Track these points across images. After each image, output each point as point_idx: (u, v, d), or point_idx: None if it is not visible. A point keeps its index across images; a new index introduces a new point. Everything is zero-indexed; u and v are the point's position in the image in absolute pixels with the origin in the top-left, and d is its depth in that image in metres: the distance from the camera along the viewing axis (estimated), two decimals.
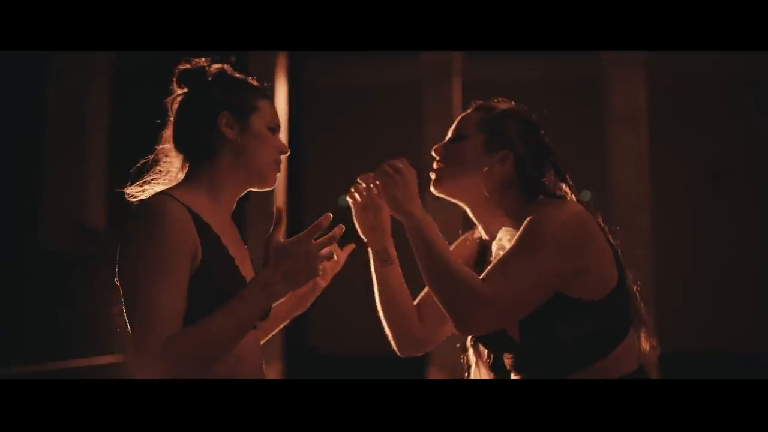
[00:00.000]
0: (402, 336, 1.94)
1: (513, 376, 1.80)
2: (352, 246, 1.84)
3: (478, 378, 1.91)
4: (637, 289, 1.81)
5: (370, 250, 1.91)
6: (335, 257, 1.94)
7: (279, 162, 1.77)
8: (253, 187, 1.76)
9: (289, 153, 1.78)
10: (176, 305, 1.55)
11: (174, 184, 1.74)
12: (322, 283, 1.92)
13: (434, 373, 7.67)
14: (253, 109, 1.74)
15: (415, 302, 1.96)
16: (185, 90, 1.76)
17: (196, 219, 1.62)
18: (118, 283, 1.63)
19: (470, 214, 1.90)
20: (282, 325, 1.96)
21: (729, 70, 9.15)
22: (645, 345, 1.79)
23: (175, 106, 1.77)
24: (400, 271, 1.92)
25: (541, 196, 1.83)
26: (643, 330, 1.80)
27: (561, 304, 1.69)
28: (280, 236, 1.57)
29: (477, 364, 1.90)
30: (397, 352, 1.96)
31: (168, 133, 1.78)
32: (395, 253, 1.92)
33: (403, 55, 7.55)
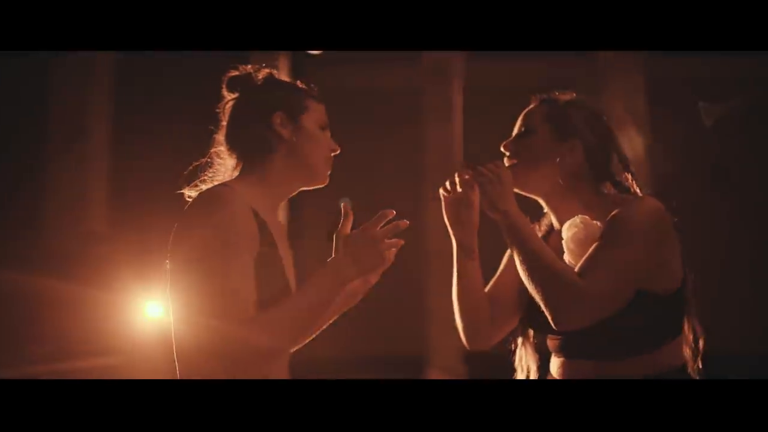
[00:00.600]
0: (473, 328, 1.99)
1: (553, 358, 1.84)
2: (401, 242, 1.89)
3: (522, 359, 1.93)
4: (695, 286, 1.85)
5: (454, 242, 1.96)
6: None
7: (331, 160, 1.83)
8: (306, 185, 1.82)
9: (339, 151, 1.83)
10: (251, 288, 1.60)
11: (233, 179, 1.79)
12: (373, 279, 1.95)
13: (434, 374, 7.68)
14: (304, 109, 1.80)
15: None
16: (236, 95, 1.81)
17: (254, 214, 1.68)
18: (171, 266, 1.67)
19: (543, 205, 1.95)
20: (331, 321, 1.98)
21: (724, 70, 9.16)
22: (692, 342, 1.82)
23: (228, 110, 1.82)
24: (478, 264, 1.96)
25: (609, 184, 1.89)
26: (696, 327, 1.82)
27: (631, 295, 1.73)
28: (348, 227, 1.69)
29: (523, 344, 1.93)
30: (465, 344, 2.01)
31: (220, 136, 1.83)
32: (477, 249, 1.96)
33: (404, 57, 7.55)
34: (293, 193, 1.83)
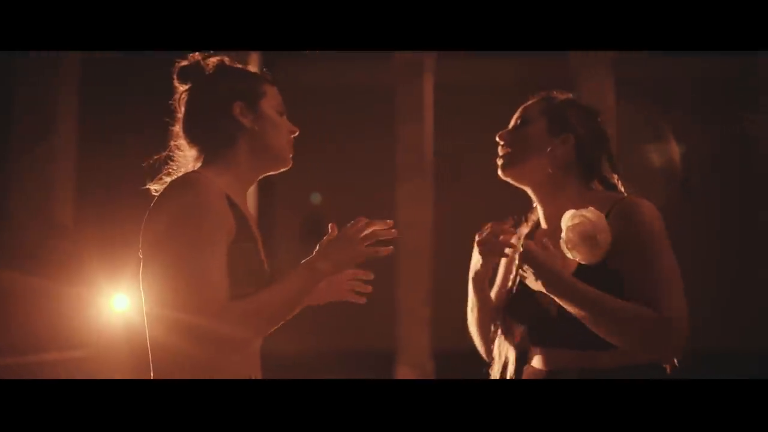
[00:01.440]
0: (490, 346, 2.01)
1: (533, 348, 1.86)
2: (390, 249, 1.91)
3: (500, 348, 1.94)
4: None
5: (475, 276, 1.97)
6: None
7: (291, 142, 1.82)
8: (271, 170, 1.82)
9: (298, 133, 1.83)
10: (224, 274, 1.59)
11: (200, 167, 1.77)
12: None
13: (403, 371, 7.71)
14: (261, 95, 1.78)
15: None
16: (189, 85, 1.79)
17: (227, 197, 1.67)
18: (143, 254, 1.65)
19: (532, 197, 1.98)
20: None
21: (696, 70, 9.28)
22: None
23: (183, 101, 1.79)
24: (489, 293, 2.00)
25: (597, 182, 1.93)
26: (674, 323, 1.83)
27: (618, 287, 1.76)
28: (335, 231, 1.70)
29: (503, 333, 1.94)
30: (487, 359, 2.02)
31: (178, 128, 1.80)
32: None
33: (377, 55, 7.56)
34: (258, 178, 1.83)
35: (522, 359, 1.90)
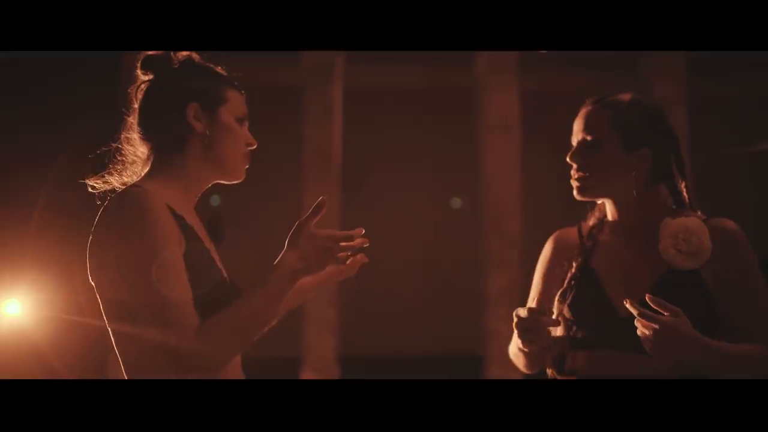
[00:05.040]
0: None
1: (595, 352, 1.81)
2: (365, 260, 1.84)
3: (553, 341, 1.85)
4: None
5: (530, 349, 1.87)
6: (349, 261, 1.87)
7: (248, 155, 1.74)
8: (222, 180, 1.72)
9: (256, 146, 1.75)
10: (186, 295, 1.51)
11: (141, 174, 1.68)
12: (319, 285, 1.92)
13: (308, 375, 7.67)
14: (221, 100, 1.69)
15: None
16: (150, 77, 1.70)
17: (171, 211, 1.58)
18: (94, 282, 1.57)
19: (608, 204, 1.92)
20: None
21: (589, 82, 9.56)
22: None
23: (141, 93, 1.70)
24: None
25: (664, 186, 1.89)
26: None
27: (706, 300, 1.78)
28: (312, 223, 1.57)
29: (555, 332, 1.87)
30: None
31: (132, 120, 1.71)
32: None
33: (285, 56, 7.51)
34: (207, 187, 1.73)
35: (571, 362, 1.86)
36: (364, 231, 1.60)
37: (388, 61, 8.18)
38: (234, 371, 1.65)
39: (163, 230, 1.53)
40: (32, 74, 6.04)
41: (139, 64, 1.70)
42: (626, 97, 1.90)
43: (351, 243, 1.59)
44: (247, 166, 1.74)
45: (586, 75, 8.41)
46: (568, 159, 1.89)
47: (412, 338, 8.53)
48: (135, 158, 1.71)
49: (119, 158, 1.71)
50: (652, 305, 1.67)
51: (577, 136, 1.90)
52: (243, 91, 1.76)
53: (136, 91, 1.71)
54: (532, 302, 1.95)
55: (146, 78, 1.70)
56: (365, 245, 1.64)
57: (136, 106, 1.71)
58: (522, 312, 1.81)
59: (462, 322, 8.09)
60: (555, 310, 1.90)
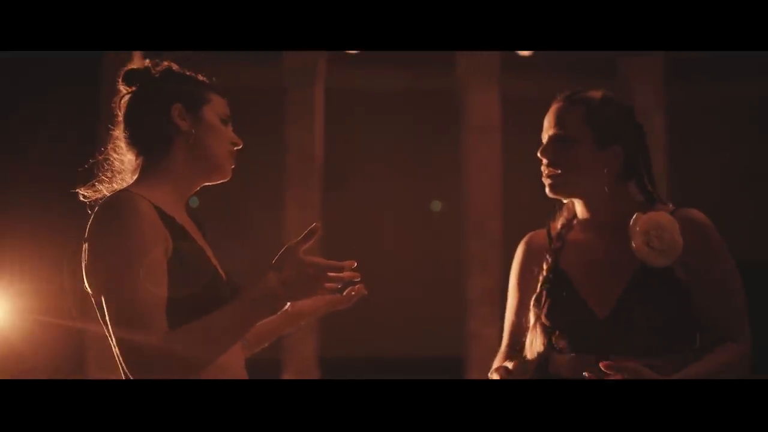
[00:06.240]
0: None
1: (574, 357, 1.79)
2: (363, 292, 1.87)
3: (532, 351, 1.84)
4: None
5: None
6: (347, 293, 1.91)
7: (233, 154, 1.76)
8: (209, 180, 1.76)
9: (241, 146, 1.77)
10: (158, 298, 1.53)
11: (131, 181, 1.71)
12: (321, 311, 1.93)
13: (289, 377, 7.65)
14: (205, 101, 1.73)
15: None
16: (133, 89, 1.74)
17: (160, 212, 1.60)
18: (87, 284, 1.61)
19: (577, 203, 1.91)
20: (268, 342, 1.93)
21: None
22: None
23: (124, 104, 1.74)
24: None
25: (633, 183, 1.88)
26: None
27: (681, 297, 1.78)
28: (301, 249, 1.56)
29: (535, 339, 1.85)
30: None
31: (118, 132, 1.75)
32: None
33: (267, 57, 7.49)
34: (196, 188, 1.76)
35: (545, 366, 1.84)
36: (355, 264, 1.59)
37: (370, 63, 8.19)
38: (238, 371, 1.69)
39: (145, 234, 1.55)
40: (8, 75, 6.01)
41: (120, 79, 1.75)
42: (597, 94, 1.89)
43: (340, 275, 1.57)
44: (233, 166, 1.77)
45: (567, 77, 8.44)
46: (539, 154, 1.88)
47: (393, 340, 8.53)
48: (123, 166, 1.75)
49: (107, 167, 1.75)
50: (605, 370, 1.64)
51: (548, 131, 1.88)
52: (225, 97, 1.80)
53: (120, 103, 1.76)
54: (510, 311, 1.97)
55: (129, 90, 1.75)
56: (356, 279, 1.64)
57: (120, 117, 1.76)
58: (510, 365, 1.78)
59: (444, 324, 8.10)
60: (532, 317, 1.88)
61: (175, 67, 1.77)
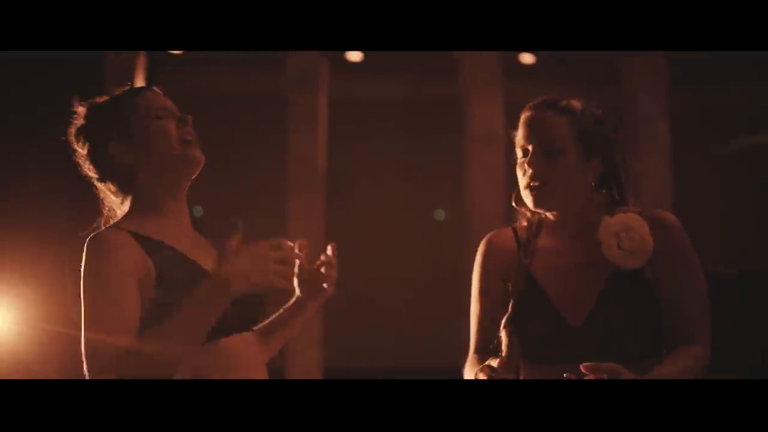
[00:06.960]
0: None
1: (545, 367, 1.78)
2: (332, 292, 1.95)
3: (502, 360, 1.79)
4: None
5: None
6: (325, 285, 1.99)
7: (190, 141, 1.77)
8: (184, 176, 1.78)
9: (191, 118, 1.79)
10: (124, 323, 1.59)
11: (121, 214, 1.80)
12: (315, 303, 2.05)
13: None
14: (130, 115, 1.75)
15: None
16: (84, 150, 1.80)
17: (144, 241, 1.67)
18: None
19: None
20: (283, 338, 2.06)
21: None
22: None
23: (87, 162, 1.81)
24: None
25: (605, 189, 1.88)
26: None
27: (650, 297, 1.78)
28: (236, 240, 1.63)
29: (507, 346, 1.82)
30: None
31: (98, 184, 1.83)
32: None
33: (270, 64, 7.50)
34: (184, 188, 1.80)
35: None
36: (291, 244, 1.65)
37: (373, 71, 8.20)
38: (258, 371, 1.76)
39: (116, 264, 1.63)
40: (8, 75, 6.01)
41: (73, 139, 1.81)
42: (578, 104, 1.87)
43: (292, 256, 1.63)
44: (198, 148, 1.78)
45: (569, 85, 8.45)
46: (526, 164, 1.83)
47: (396, 350, 8.51)
48: (113, 206, 1.83)
49: (105, 209, 1.85)
50: (584, 372, 1.62)
51: (531, 139, 1.84)
52: (155, 88, 1.84)
53: (84, 162, 1.82)
54: (476, 316, 2.05)
55: (83, 151, 1.81)
56: (299, 258, 1.73)
57: (86, 170, 1.83)
58: (494, 363, 1.77)
59: (447, 334, 8.08)
60: (503, 328, 1.85)
61: (86, 105, 1.81)
